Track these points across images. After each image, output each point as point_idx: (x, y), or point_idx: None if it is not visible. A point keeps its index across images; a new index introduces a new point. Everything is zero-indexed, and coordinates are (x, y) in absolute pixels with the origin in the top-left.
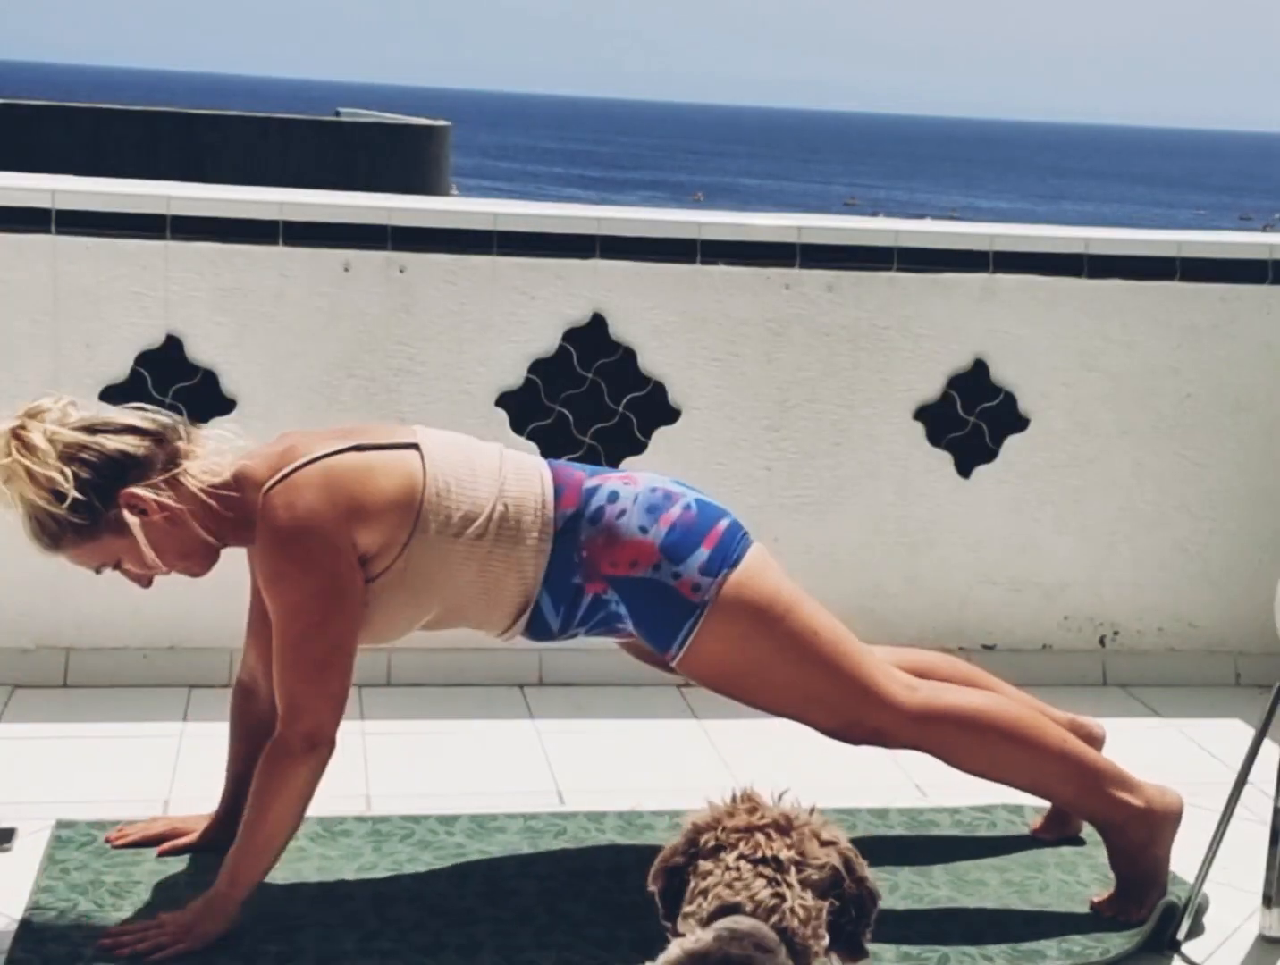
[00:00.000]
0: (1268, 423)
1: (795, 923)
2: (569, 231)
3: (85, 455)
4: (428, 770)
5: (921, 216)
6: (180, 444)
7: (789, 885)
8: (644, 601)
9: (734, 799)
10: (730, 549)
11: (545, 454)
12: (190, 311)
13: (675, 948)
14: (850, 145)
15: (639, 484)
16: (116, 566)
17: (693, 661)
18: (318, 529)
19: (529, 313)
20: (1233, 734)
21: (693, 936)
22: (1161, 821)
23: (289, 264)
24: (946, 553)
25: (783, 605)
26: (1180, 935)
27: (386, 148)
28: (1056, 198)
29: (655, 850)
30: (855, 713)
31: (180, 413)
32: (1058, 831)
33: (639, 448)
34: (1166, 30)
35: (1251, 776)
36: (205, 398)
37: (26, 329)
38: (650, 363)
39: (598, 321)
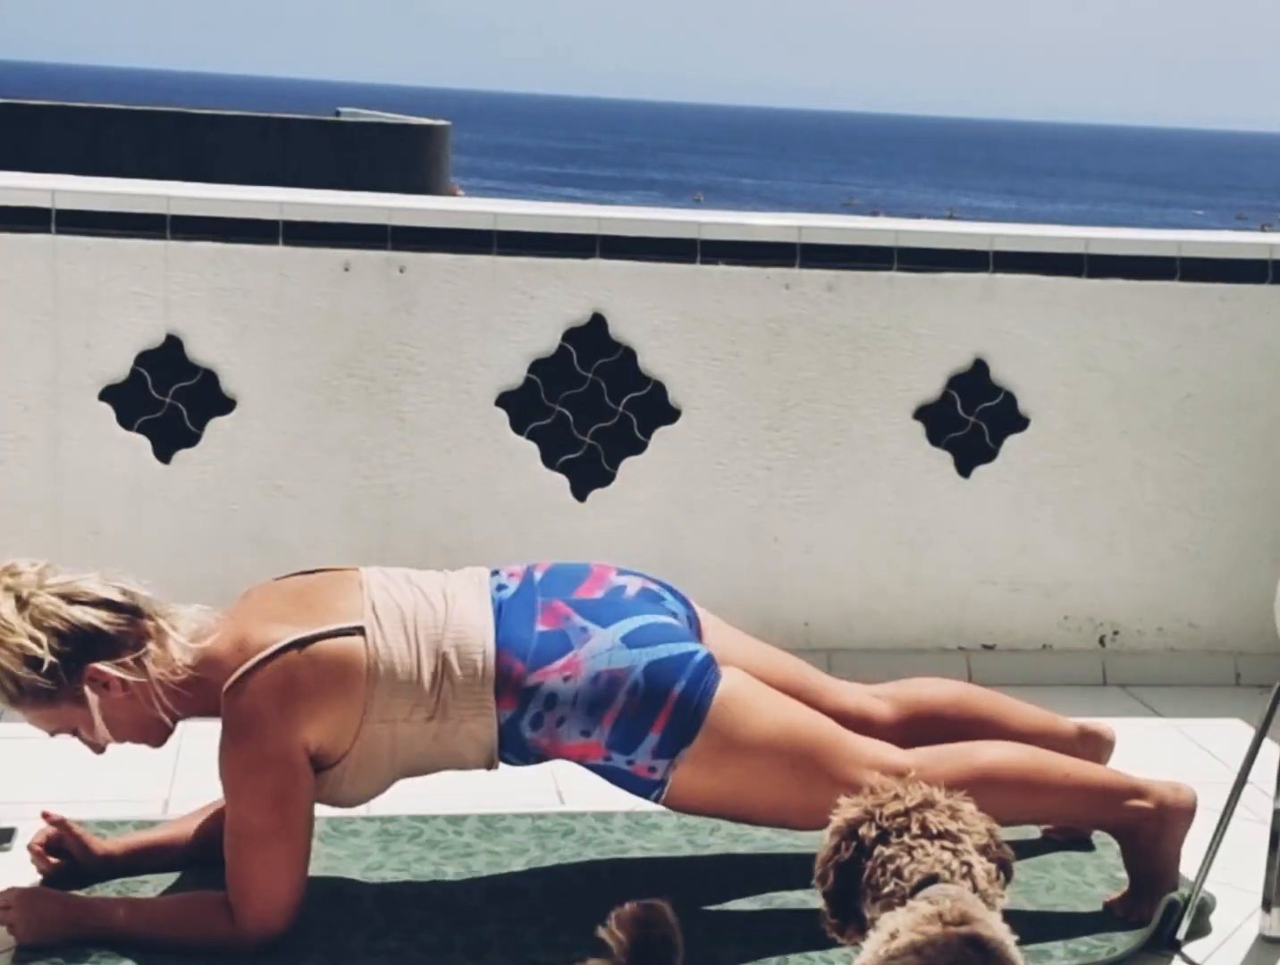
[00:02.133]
0: (1268, 423)
1: (985, 884)
2: (569, 231)
3: (57, 625)
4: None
5: (918, 216)
6: (150, 624)
7: (969, 852)
8: (605, 775)
9: (870, 791)
10: (685, 726)
11: (545, 455)
12: (190, 311)
13: (893, 936)
14: (850, 145)
15: (580, 673)
16: (73, 733)
17: (676, 804)
18: (269, 734)
19: (529, 313)
20: (1233, 734)
21: (903, 913)
22: (1174, 817)
23: (289, 264)
24: (946, 553)
25: (755, 743)
26: (1180, 935)
27: (386, 148)
28: (1054, 197)
29: (662, 849)
30: None
31: (181, 414)
32: (1068, 833)
33: (639, 448)
34: (1167, 30)
35: (1251, 776)
36: (205, 398)
37: (26, 329)
38: (650, 363)
39: (598, 321)
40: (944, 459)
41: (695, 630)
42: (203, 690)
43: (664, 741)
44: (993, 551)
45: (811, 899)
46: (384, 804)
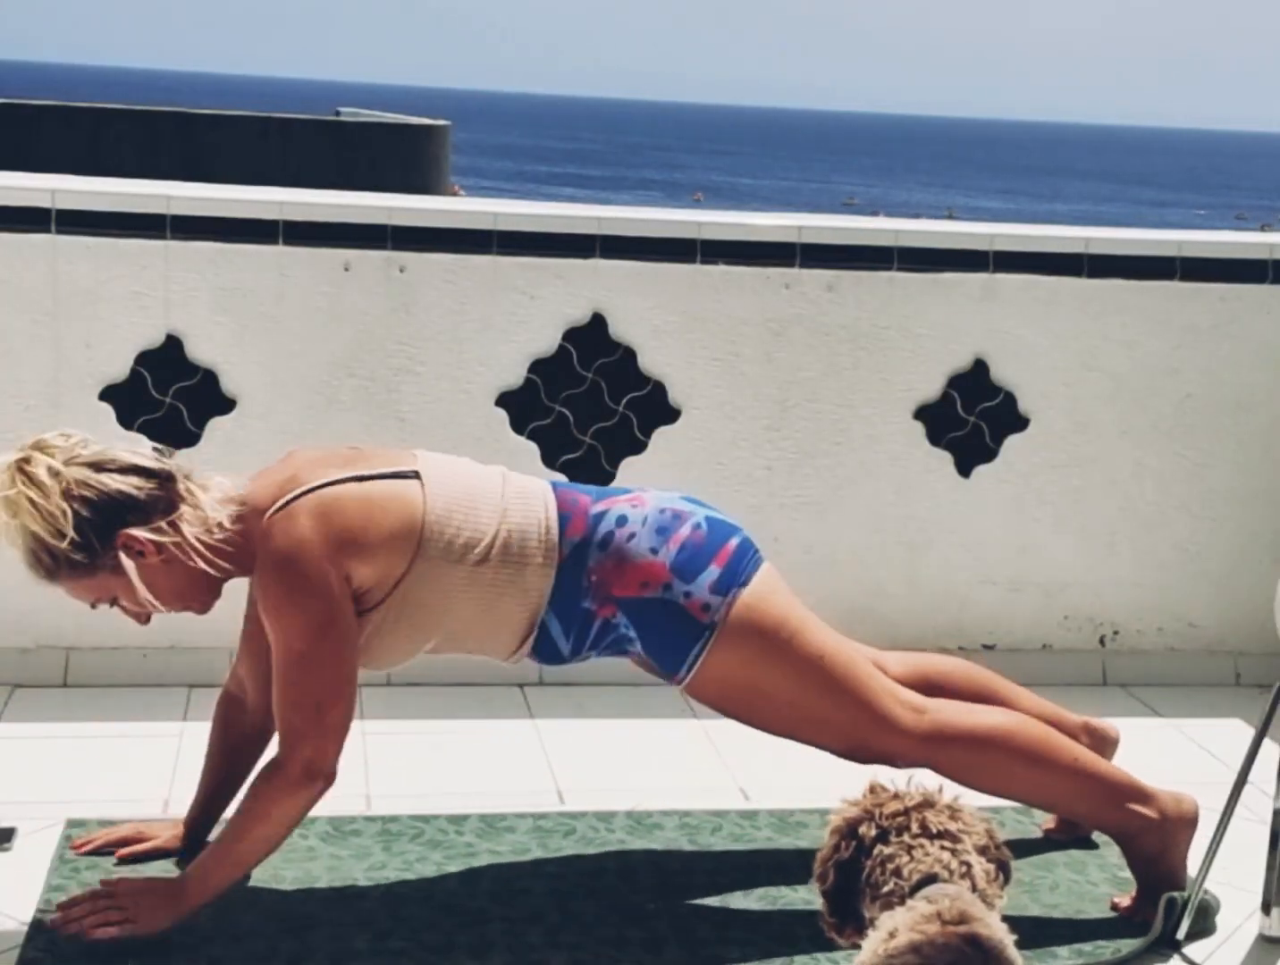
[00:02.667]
0: (1268, 423)
1: (984, 884)
2: (569, 231)
3: (87, 493)
4: (428, 770)
5: (917, 216)
6: (182, 487)
7: (968, 852)
8: (654, 623)
9: (870, 790)
10: (740, 568)
11: (545, 455)
12: (190, 311)
13: (892, 935)
14: (850, 145)
15: (647, 505)
16: (113, 603)
17: (700, 684)
18: (312, 560)
19: (529, 313)
20: (1233, 734)
21: (902, 912)
22: (1176, 829)
23: (289, 264)
24: (946, 553)
25: (791, 628)
26: (1180, 935)
27: (386, 148)
28: (1053, 197)
29: (664, 849)
30: (862, 736)
31: (181, 414)
32: (1069, 832)
33: (639, 448)
34: (1167, 30)
35: (1251, 776)
36: (205, 397)
37: (26, 329)
38: (650, 363)
39: (598, 321)
40: (944, 459)
41: None
42: (249, 543)
43: (723, 577)
44: (993, 551)
45: (815, 899)
46: (385, 804)
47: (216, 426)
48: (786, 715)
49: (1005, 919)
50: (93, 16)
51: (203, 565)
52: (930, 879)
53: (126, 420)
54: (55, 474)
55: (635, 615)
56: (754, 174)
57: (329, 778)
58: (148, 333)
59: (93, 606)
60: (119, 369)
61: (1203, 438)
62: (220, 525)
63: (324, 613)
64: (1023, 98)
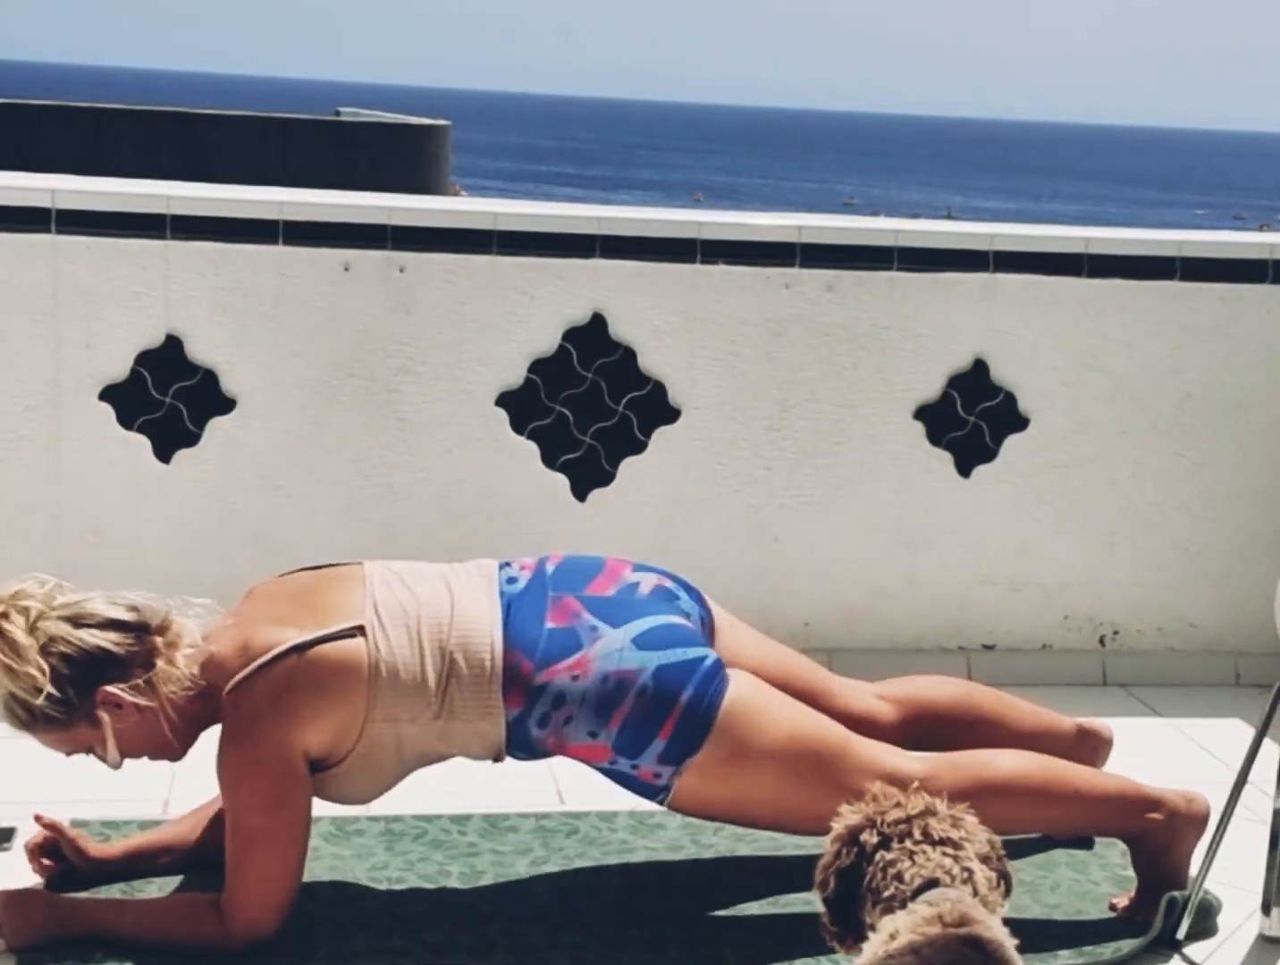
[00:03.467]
0: (1268, 423)
1: (985, 890)
2: (569, 231)
3: (66, 650)
4: (427, 770)
5: (915, 216)
6: (158, 640)
7: (970, 859)
8: (611, 777)
9: (872, 798)
10: (692, 732)
11: (545, 455)
12: (190, 311)
13: (893, 937)
14: (850, 145)
15: (589, 673)
16: (89, 752)
17: (681, 809)
18: (267, 738)
19: (529, 312)
20: (1233, 734)
21: (903, 915)
22: (1184, 827)
23: (289, 264)
24: (946, 553)
25: (760, 743)
26: (1180, 935)
27: (386, 148)
28: (1052, 197)
29: (667, 849)
30: None
31: (181, 414)
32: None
33: (639, 448)
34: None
35: (1251, 776)
36: (205, 397)
37: (26, 329)
38: (650, 362)
39: (598, 321)
40: (944, 459)
41: (708, 630)
42: (211, 699)
43: (670, 748)
44: (993, 551)
45: (817, 901)
46: (388, 804)
47: (216, 426)
48: (774, 816)
49: (1006, 918)
50: (93, 16)
51: (171, 734)
52: (932, 883)
53: (126, 420)
54: (32, 631)
55: (594, 767)
56: (754, 174)
57: (264, 936)
58: (148, 333)
59: (67, 755)
60: (119, 369)
61: (1203, 438)
62: (193, 678)
63: (276, 791)
64: (1023, 98)
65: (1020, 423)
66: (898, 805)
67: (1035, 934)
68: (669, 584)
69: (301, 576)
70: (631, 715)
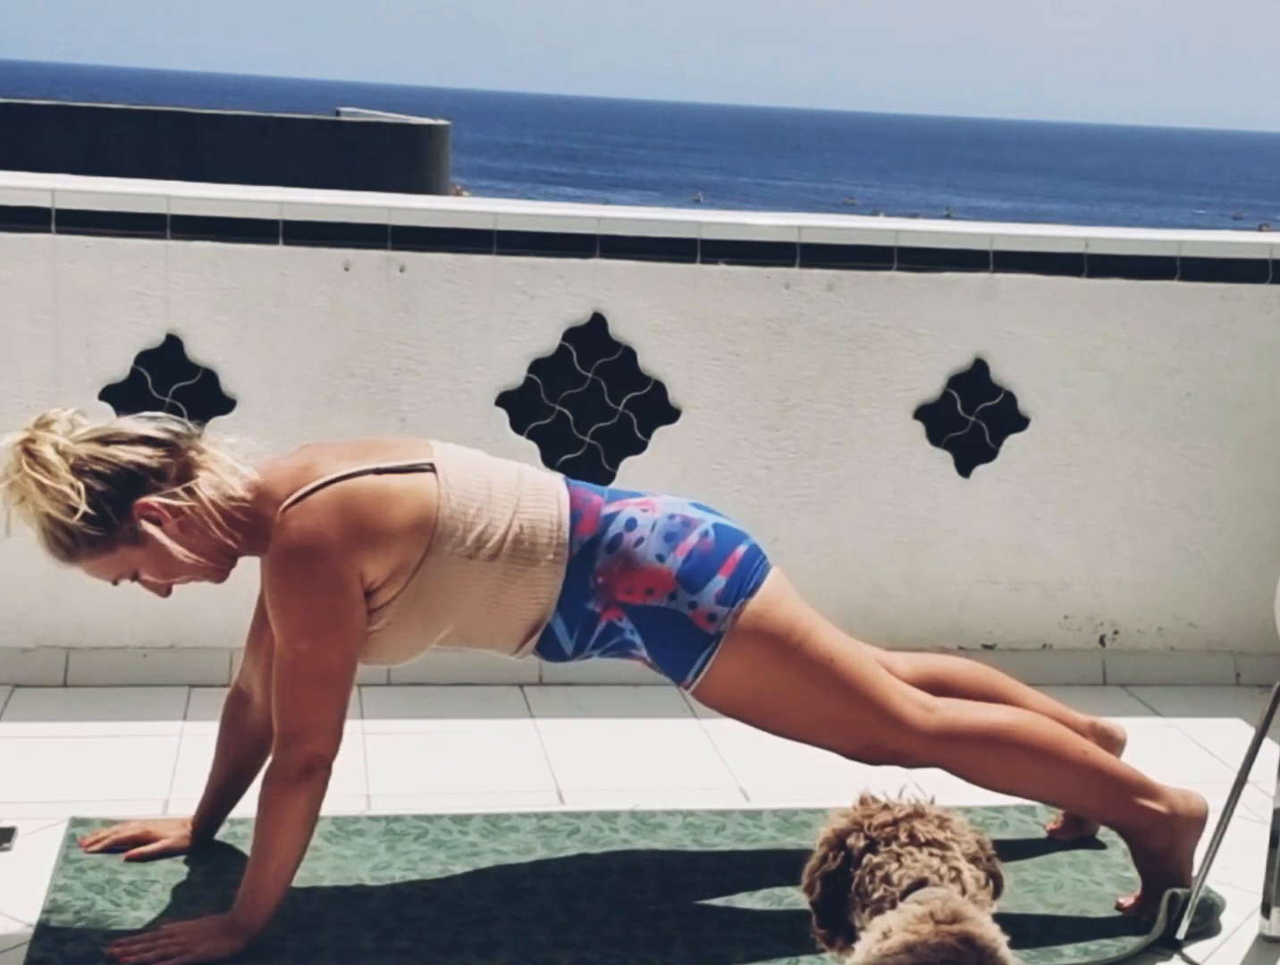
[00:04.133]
0: (1268, 423)
1: (974, 889)
2: (569, 231)
3: (98, 467)
4: (427, 770)
5: (914, 215)
6: (193, 454)
7: (957, 859)
8: (659, 630)
9: (860, 802)
10: (747, 576)
11: (545, 455)
12: (190, 311)
13: (885, 935)
14: (850, 145)
15: (657, 511)
16: (134, 577)
17: (708, 690)
18: (326, 555)
19: (529, 312)
20: (1233, 734)
21: (894, 914)
22: (1185, 826)
23: (289, 264)
24: (946, 552)
25: (799, 632)
26: (1180, 934)
27: (386, 147)
28: (1051, 197)
29: (669, 849)
30: (872, 736)
31: (181, 413)
32: (1074, 832)
33: (639, 447)
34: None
35: (1251, 776)
36: (205, 397)
37: (26, 329)
38: (650, 362)
39: (598, 321)
40: (944, 459)
41: None
42: (262, 524)
43: (729, 586)
44: (993, 551)
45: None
46: (389, 804)
47: (216, 427)
48: (796, 718)
49: (1010, 918)
50: (93, 16)
51: (218, 533)
52: (920, 883)
53: None
54: (62, 452)
55: (640, 621)
56: (754, 174)
57: (328, 769)
58: (148, 333)
59: (114, 582)
60: (119, 369)
61: (1203, 438)
62: (233, 497)
63: (331, 611)
64: (1023, 97)
65: (1020, 423)
66: (885, 808)
67: (1039, 933)
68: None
69: (361, 440)
70: (696, 549)
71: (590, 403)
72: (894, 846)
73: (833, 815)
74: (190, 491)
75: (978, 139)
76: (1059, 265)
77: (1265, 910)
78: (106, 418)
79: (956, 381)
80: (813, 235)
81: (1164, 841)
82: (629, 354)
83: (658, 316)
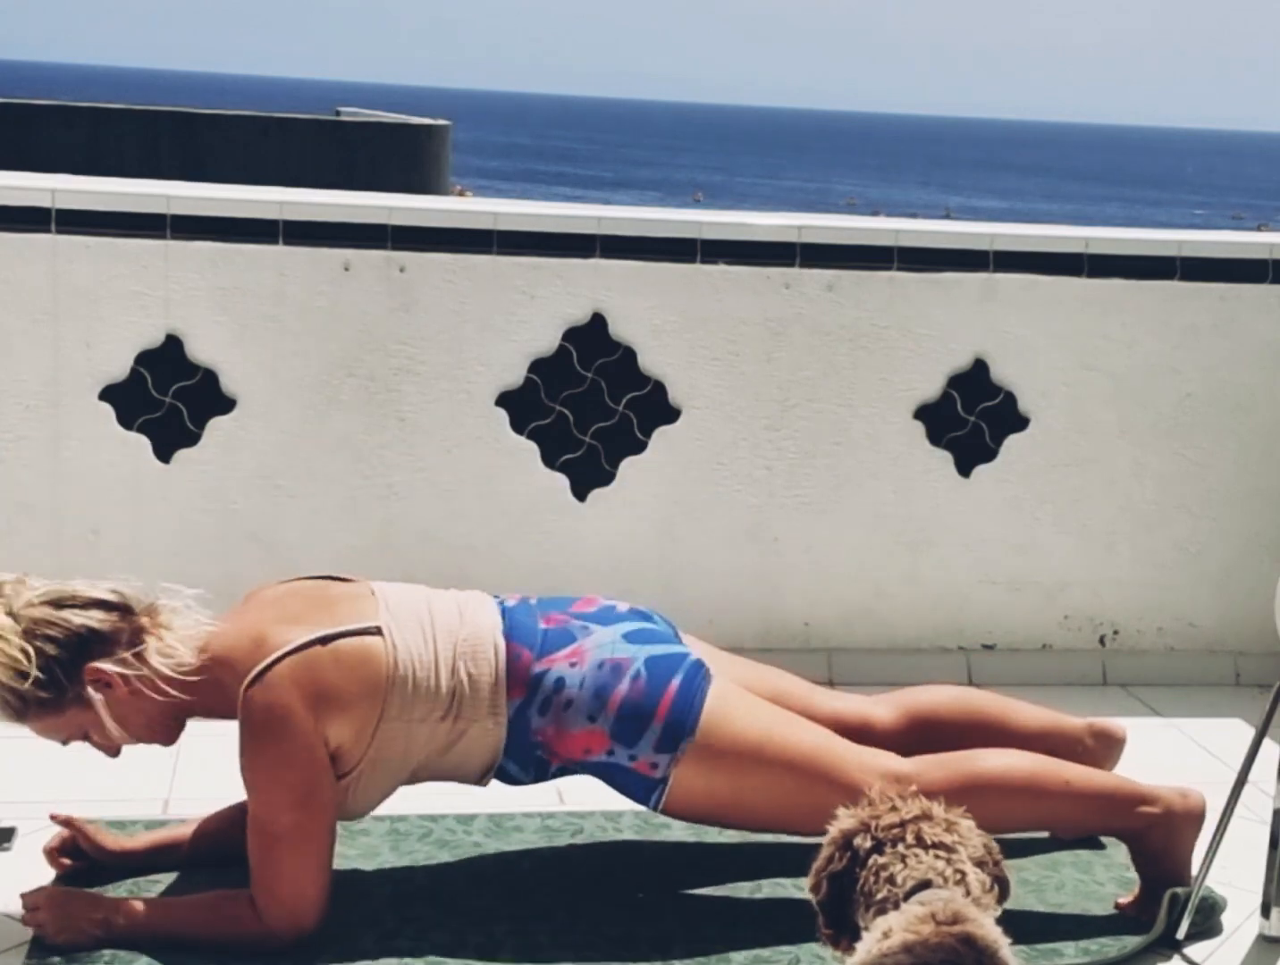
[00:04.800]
0: (1268, 423)
1: (979, 893)
2: (569, 231)
3: (50, 631)
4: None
5: (913, 215)
6: (145, 620)
7: (963, 862)
8: (607, 777)
9: (867, 803)
10: (685, 715)
11: (545, 455)
12: (190, 311)
13: (886, 935)
14: (850, 145)
15: (585, 662)
16: (84, 738)
17: (672, 810)
18: (296, 727)
19: (529, 312)
20: (1233, 734)
21: (896, 914)
22: (1182, 824)
23: (289, 264)
24: (946, 552)
25: (749, 745)
26: (1180, 934)
27: (386, 147)
28: (1050, 197)
29: (672, 848)
30: None
31: (181, 413)
32: (1076, 833)
33: (639, 448)
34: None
35: (1251, 776)
36: (205, 397)
37: (26, 329)
38: (650, 362)
39: (598, 321)
40: (944, 459)
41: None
42: (214, 690)
43: (665, 733)
44: (993, 551)
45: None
46: (393, 804)
47: (216, 426)
48: (763, 818)
49: (1011, 917)
50: (93, 16)
51: (170, 694)
52: (924, 885)
53: (126, 420)
54: (13, 615)
55: (588, 769)
56: (754, 174)
57: (308, 932)
58: (148, 333)
59: (64, 743)
60: (119, 369)
61: (1203, 438)
62: (191, 665)
63: (310, 781)
64: (1022, 97)
65: (1020, 423)
66: (893, 809)
67: (1040, 933)
68: (641, 608)
69: (306, 584)
70: (628, 698)
71: (590, 403)
72: (900, 848)
73: (841, 815)
74: (140, 658)
75: (977, 139)
76: (1059, 265)
77: (1265, 910)
78: (107, 418)
79: (956, 381)
80: (813, 235)
81: (1162, 840)
82: (629, 354)
83: (658, 316)
